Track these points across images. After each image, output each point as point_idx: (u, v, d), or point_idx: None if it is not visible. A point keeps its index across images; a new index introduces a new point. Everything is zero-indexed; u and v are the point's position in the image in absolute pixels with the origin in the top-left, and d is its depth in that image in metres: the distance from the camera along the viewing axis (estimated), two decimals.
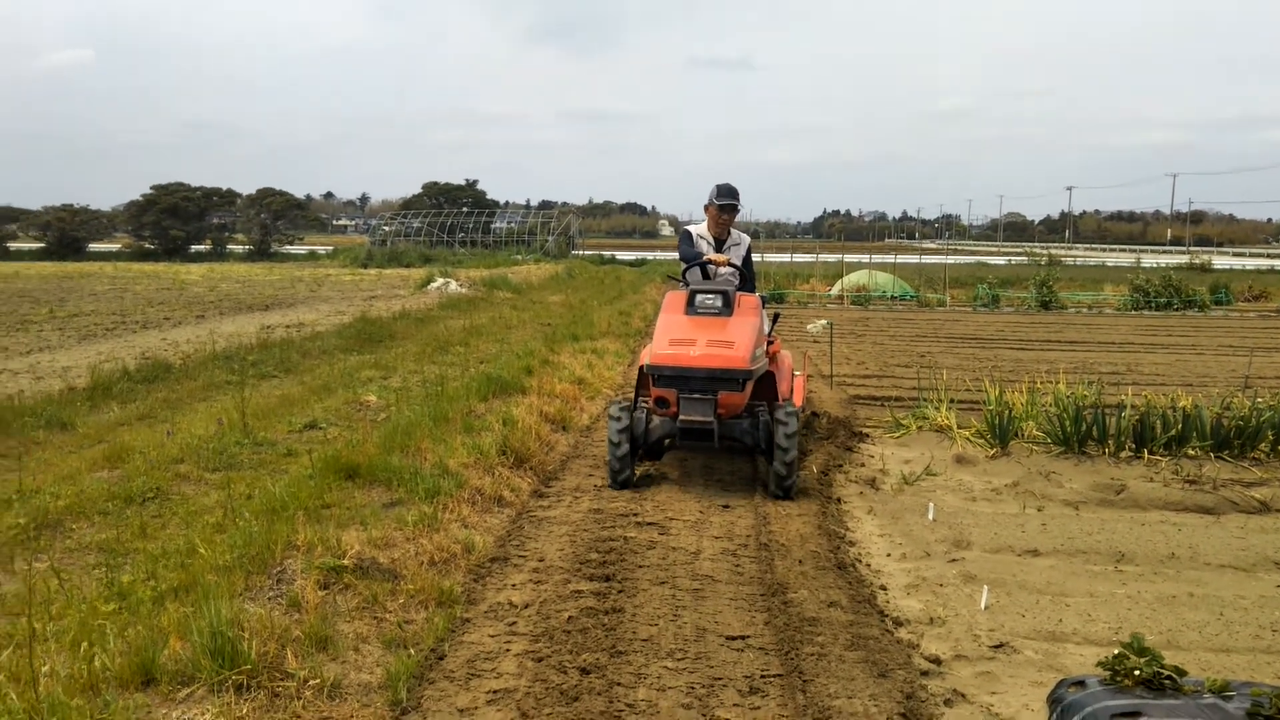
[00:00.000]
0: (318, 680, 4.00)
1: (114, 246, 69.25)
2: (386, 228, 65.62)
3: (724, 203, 7.87)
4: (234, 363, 13.08)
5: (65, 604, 4.78)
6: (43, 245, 66.75)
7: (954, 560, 6.13)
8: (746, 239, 8.25)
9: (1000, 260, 59.83)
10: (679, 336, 7.20)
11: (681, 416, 7.02)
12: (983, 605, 5.31)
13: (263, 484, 6.87)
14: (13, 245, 68.46)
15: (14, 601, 4.94)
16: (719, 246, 8.04)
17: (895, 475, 8.23)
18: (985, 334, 20.56)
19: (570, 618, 4.91)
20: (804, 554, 6.04)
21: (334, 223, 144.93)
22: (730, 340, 7.12)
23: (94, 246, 67.97)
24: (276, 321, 20.03)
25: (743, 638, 4.76)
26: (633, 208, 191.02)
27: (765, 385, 7.70)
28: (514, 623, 4.88)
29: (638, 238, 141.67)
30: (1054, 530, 6.72)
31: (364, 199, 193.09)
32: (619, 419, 7.28)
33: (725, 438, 7.27)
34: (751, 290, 8.01)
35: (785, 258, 40.45)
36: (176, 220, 63.86)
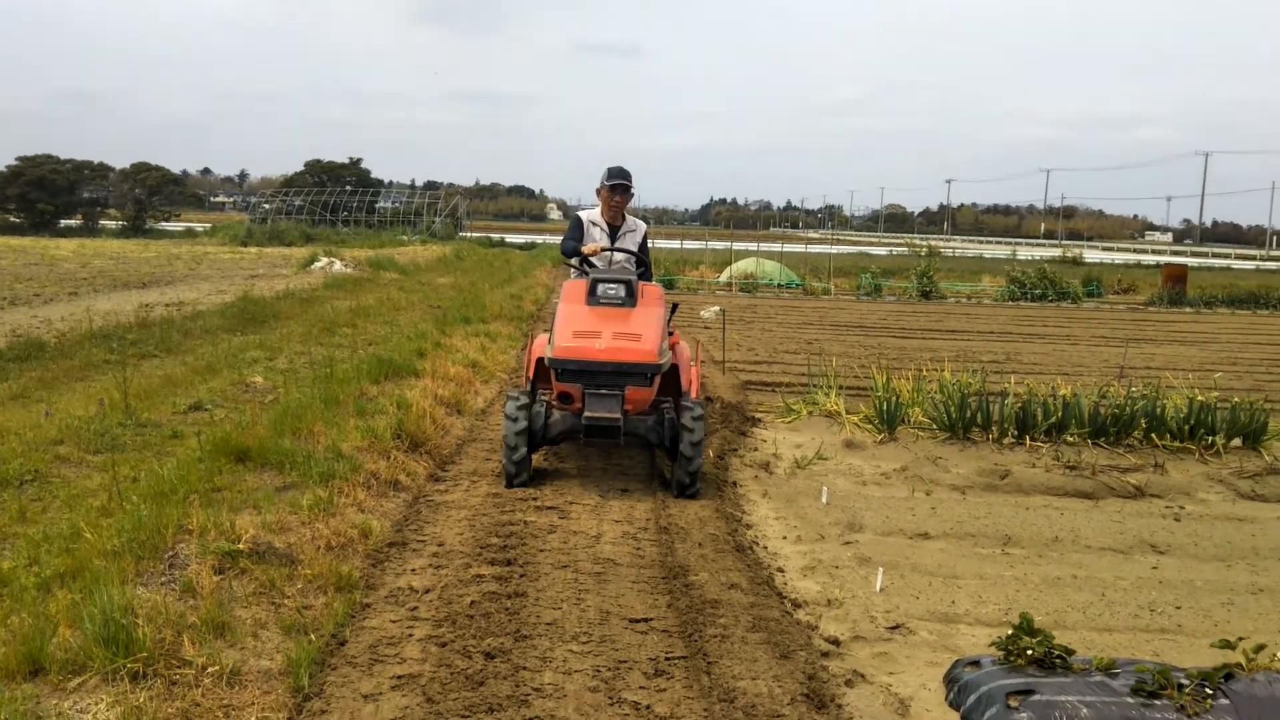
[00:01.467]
0: (216, 667, 3.90)
1: None
2: (267, 205, 64.00)
3: (615, 183, 7.61)
4: (113, 341, 12.57)
5: None
6: None
7: (848, 543, 6.27)
8: (642, 225, 8.01)
9: (882, 251, 61.26)
10: (582, 329, 6.85)
11: (586, 413, 6.67)
12: (878, 587, 5.44)
13: (149, 466, 6.66)
14: None
15: None
16: (613, 233, 7.79)
17: (788, 460, 8.38)
18: (869, 322, 21.03)
19: (473, 602, 4.88)
20: (703, 537, 6.11)
21: (211, 199, 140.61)
22: (636, 332, 6.82)
23: None
24: (155, 300, 19.34)
25: (646, 620, 4.79)
26: (521, 190, 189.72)
27: (669, 379, 7.42)
28: (415, 608, 4.83)
29: (526, 220, 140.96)
30: (943, 514, 6.93)
31: (243, 175, 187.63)
32: (515, 419, 6.81)
33: (630, 434, 6.96)
34: (648, 279, 7.79)
35: (675, 244, 40.74)
36: (44, 193, 61.02)
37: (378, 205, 63.17)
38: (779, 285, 30.12)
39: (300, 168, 69.04)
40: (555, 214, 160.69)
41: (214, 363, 11.32)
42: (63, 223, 62.28)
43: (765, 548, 6.19)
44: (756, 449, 8.78)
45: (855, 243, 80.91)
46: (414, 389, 9.18)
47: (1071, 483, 7.67)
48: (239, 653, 4.15)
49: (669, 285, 29.64)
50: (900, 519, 6.77)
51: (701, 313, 14.77)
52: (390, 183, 74.42)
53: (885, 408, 9.21)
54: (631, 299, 7.15)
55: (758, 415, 10.23)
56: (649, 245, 8.06)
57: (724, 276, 31.23)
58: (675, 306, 8.10)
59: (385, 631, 4.53)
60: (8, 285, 23.09)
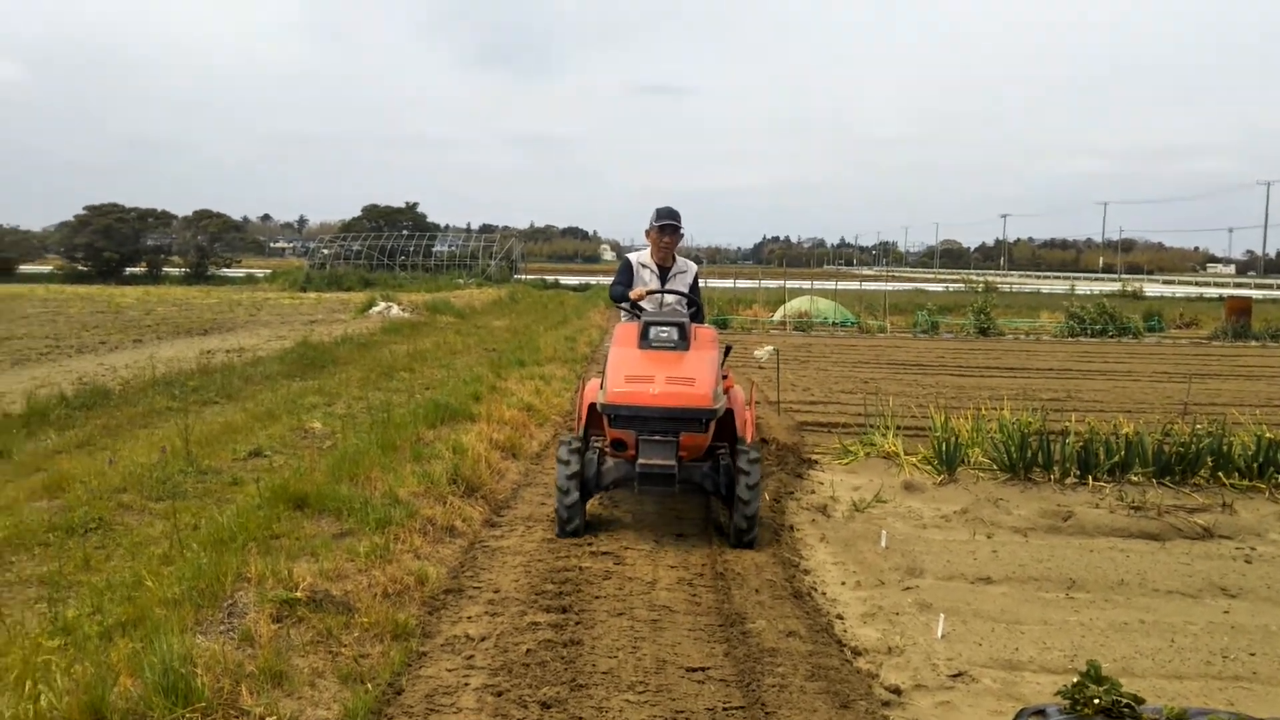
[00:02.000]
0: (274, 717, 3.91)
1: (45, 268, 67.88)
2: (326, 250, 64.97)
3: (664, 224, 7.51)
4: (175, 389, 12.82)
5: (7, 640, 4.62)
6: None
7: (908, 588, 6.17)
8: (693, 266, 7.91)
9: (938, 287, 60.79)
10: (635, 373, 6.64)
11: (641, 460, 6.46)
12: (939, 634, 5.34)
13: (209, 514, 6.73)
14: None
15: None
16: (663, 274, 7.69)
17: (846, 502, 8.28)
18: (926, 360, 20.81)
19: (528, 650, 4.86)
20: (760, 583, 6.04)
21: (271, 245, 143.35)
22: (690, 376, 6.62)
23: (25, 268, 66.55)
24: (216, 346, 19.69)
25: (703, 669, 4.73)
26: (574, 232, 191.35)
27: (724, 423, 7.21)
28: (471, 656, 4.81)
29: (580, 262, 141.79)
30: (1005, 557, 6.80)
31: (302, 221, 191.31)
32: (568, 463, 6.70)
33: (686, 482, 6.76)
34: (702, 321, 7.68)
35: (728, 283, 40.76)
36: (110, 242, 62.63)
37: (434, 249, 63.94)
38: (833, 323, 29.98)
39: (358, 212, 70.16)
40: (608, 255, 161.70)
41: (273, 409, 11.46)
42: (128, 270, 63.79)
43: (824, 594, 6.10)
44: (814, 491, 8.69)
45: (911, 279, 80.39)
46: (469, 433, 9.21)
47: (1136, 524, 7.49)
48: (296, 702, 4.16)
49: (722, 325, 29.72)
50: (961, 563, 6.65)
51: (755, 353, 14.72)
52: (446, 226, 75.54)
53: (944, 448, 9.09)
54: (684, 342, 6.96)
55: (814, 457, 10.14)
56: (700, 286, 8.01)
57: (778, 315, 31.18)
58: (729, 349, 7.94)
59: (441, 680, 4.52)
60: (75, 333, 23.64)
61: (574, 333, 23.13)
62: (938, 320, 29.40)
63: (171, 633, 4.42)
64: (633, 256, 7.89)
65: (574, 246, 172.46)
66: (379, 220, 67.33)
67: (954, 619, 5.57)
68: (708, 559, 6.53)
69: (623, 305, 7.78)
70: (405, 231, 65.70)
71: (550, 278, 62.40)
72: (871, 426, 10.59)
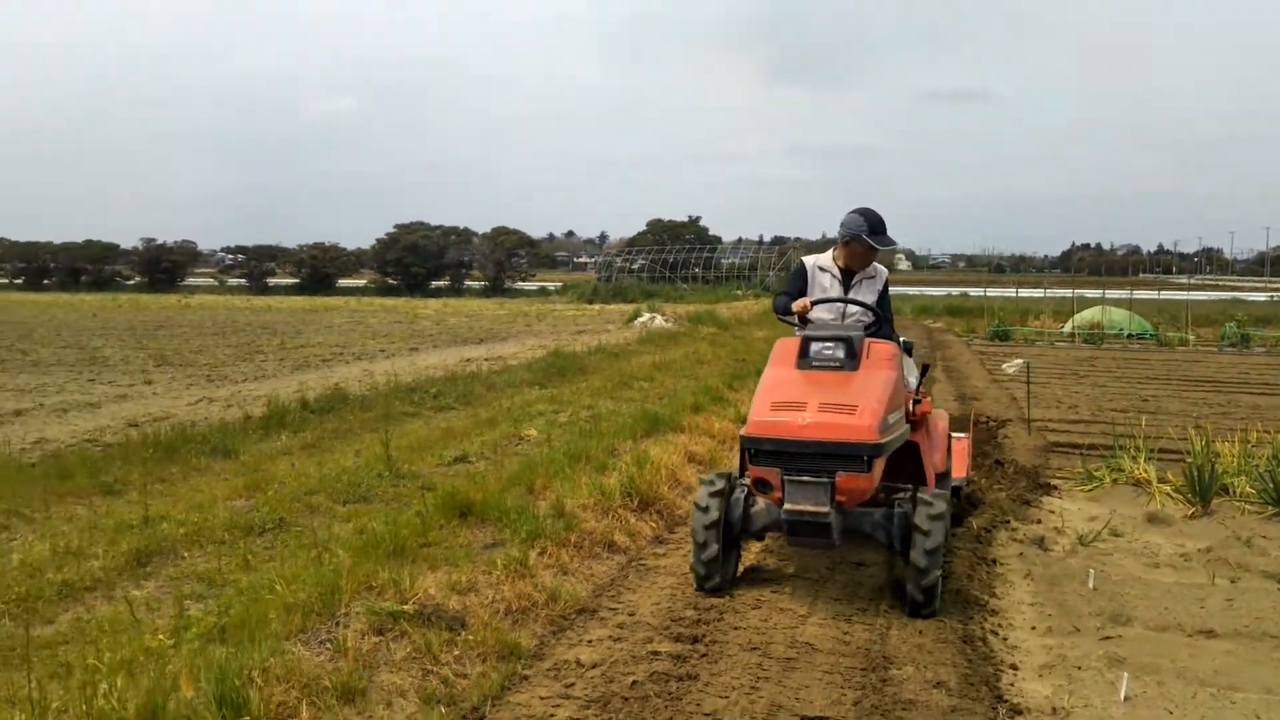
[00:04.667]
0: None
1: (360, 282, 73.88)
2: (615, 264, 66.91)
3: (882, 246, 6.30)
4: (416, 394, 13.31)
5: (132, 635, 4.73)
6: (297, 281, 71.98)
7: (1107, 638, 5.30)
8: (883, 271, 6.59)
9: (1261, 297, 54.96)
10: (784, 399, 5.58)
11: (786, 505, 5.40)
12: (1121, 696, 4.51)
13: (388, 518, 6.76)
14: (271, 281, 74.28)
15: (91, 629, 4.95)
16: (847, 281, 6.46)
17: (1071, 534, 7.35)
18: (1225, 377, 18.67)
19: (634, 682, 4.48)
20: (929, 623, 5.37)
21: (575, 260, 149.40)
22: (852, 403, 5.46)
23: (343, 282, 72.70)
24: (479, 355, 20.47)
25: (820, 719, 4.19)
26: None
27: (908, 460, 6.16)
28: (572, 684, 4.49)
29: None
30: (1241, 607, 5.75)
31: (603, 237, 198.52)
32: (707, 510, 5.69)
33: (852, 533, 5.72)
34: (889, 336, 6.35)
35: (1010, 292, 38.48)
36: (417, 257, 67.29)
37: (715, 261, 64.46)
38: (1128, 335, 27.61)
39: (643, 227, 71.88)
40: (903, 264, 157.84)
41: (499, 415, 11.63)
42: (433, 284, 68.26)
43: (1004, 639, 5.34)
44: (1038, 521, 7.78)
45: (1236, 287, 73.25)
46: (668, 444, 8.92)
47: None
48: None
49: (1003, 337, 28.03)
50: (1182, 611, 5.68)
51: (1004, 366, 13.62)
52: (739, 240, 75.77)
53: (1197, 476, 7.94)
54: (852, 360, 5.79)
55: (1053, 482, 9.15)
56: (889, 295, 6.72)
57: (1068, 327, 29.07)
58: (926, 369, 6.96)
59: (528, 709, 4.22)
60: (362, 343, 25.31)
61: None
62: (1249, 333, 26.42)
63: (269, 640, 4.38)
64: (809, 260, 6.72)
65: None
66: (663, 234, 68.67)
67: (1149, 679, 4.71)
68: (878, 593, 5.90)
69: (787, 319, 6.53)
70: (687, 244, 66.65)
71: None
72: (1121, 449, 9.44)
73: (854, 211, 6.40)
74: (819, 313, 6.40)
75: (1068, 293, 34.67)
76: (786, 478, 5.40)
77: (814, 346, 5.91)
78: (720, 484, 5.81)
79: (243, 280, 77.17)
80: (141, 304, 51.83)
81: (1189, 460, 8.33)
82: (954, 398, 15.12)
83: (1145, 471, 8.79)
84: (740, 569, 6.21)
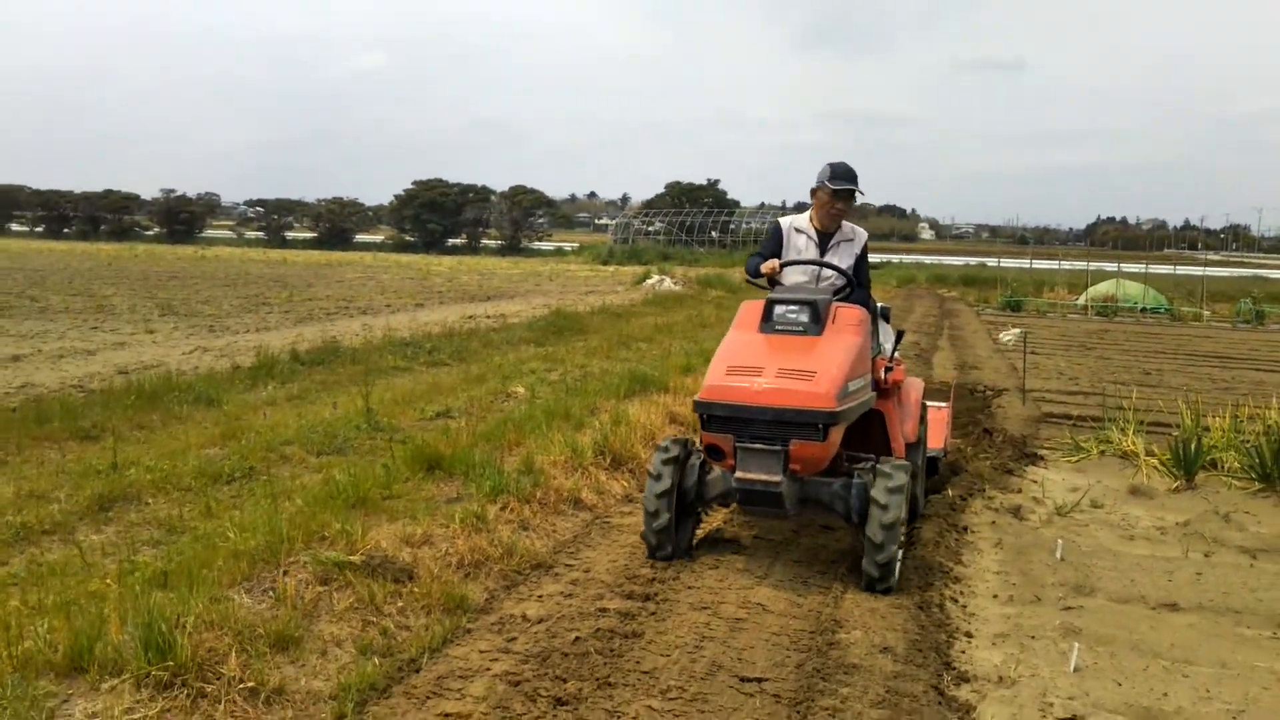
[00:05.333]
0: (254, 683, 3.71)
1: (377, 238, 73.94)
2: (632, 226, 66.66)
3: (840, 187, 5.96)
4: (410, 349, 13.28)
5: (80, 578, 4.72)
6: (315, 235, 72.11)
7: (1068, 609, 5.23)
8: (862, 234, 6.33)
9: None
10: (740, 363, 5.36)
11: (738, 474, 5.20)
12: (1071, 666, 4.45)
13: (354, 469, 6.73)
14: (289, 234, 74.47)
15: (42, 571, 4.94)
16: (823, 243, 6.17)
17: (1050, 505, 7.28)
18: (1234, 353, 18.49)
19: (577, 638, 4.44)
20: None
21: (597, 221, 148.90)
22: (811, 369, 5.20)
23: (361, 238, 72.79)
24: (482, 312, 20.43)
25: (758, 680, 4.14)
26: (891, 210, 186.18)
27: (876, 429, 6.00)
28: (514, 638, 4.45)
29: (896, 240, 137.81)
30: (1209, 581, 5.67)
31: (625, 199, 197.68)
32: (659, 477, 5.46)
33: (808, 503, 5.49)
34: (863, 301, 6.07)
35: (1024, 263, 38.12)
36: (434, 214, 67.22)
37: (732, 225, 64.07)
38: (1142, 309, 27.38)
39: (662, 190, 71.55)
40: (927, 233, 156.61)
41: (488, 372, 11.58)
42: (449, 241, 68.17)
43: (963, 606, 5.28)
44: (1019, 490, 7.70)
45: (1259, 265, 72.39)
46: (649, 404, 8.86)
47: None
48: (294, 670, 3.95)
49: (1015, 308, 27.84)
50: (1148, 584, 5.60)
51: (1000, 335, 13.51)
52: (761, 204, 75.15)
53: (1182, 449, 7.83)
54: (817, 325, 5.49)
55: (1040, 452, 9.05)
56: (868, 260, 6.45)
57: (1081, 299, 28.84)
58: (900, 335, 6.76)
59: (465, 662, 4.19)
60: (369, 297, 25.28)
61: None
62: (1264, 309, 26.13)
63: (212, 586, 4.37)
64: (785, 221, 6.42)
65: (890, 225, 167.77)
66: (681, 197, 68.35)
67: (1102, 650, 4.64)
68: (842, 555, 5.85)
69: (756, 282, 6.27)
70: (705, 208, 66.27)
71: None
72: (1110, 421, 9.33)
73: (839, 163, 6.16)
74: (792, 275, 6.16)
75: (1083, 265, 34.30)
76: (739, 445, 5.19)
77: (778, 310, 5.63)
78: (675, 450, 5.59)
79: (261, 233, 77.35)
80: (157, 254, 51.93)
81: (1175, 433, 8.22)
82: (954, 366, 15.01)
83: (1133, 444, 8.69)
84: (700, 534, 6.11)
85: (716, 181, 71.19)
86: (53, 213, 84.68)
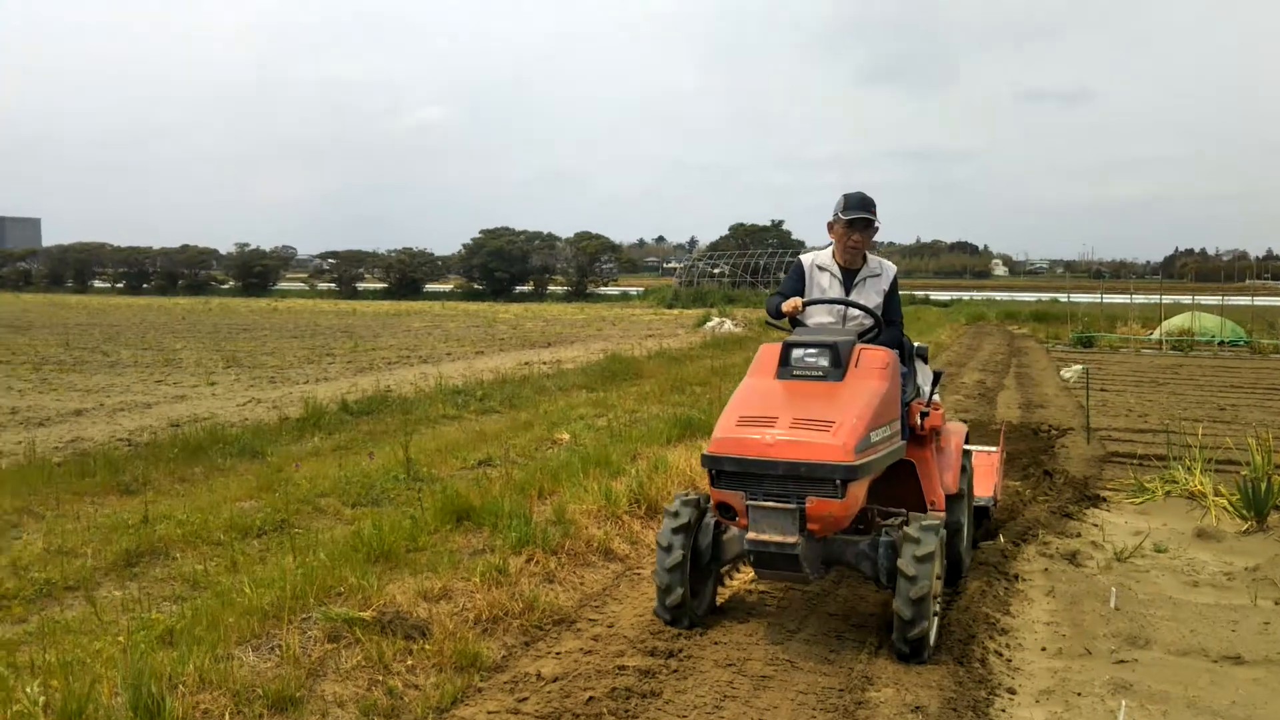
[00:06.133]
0: None
1: (447, 287, 74.89)
2: (696, 269, 66.67)
3: (853, 216, 5.64)
4: (461, 397, 13.25)
5: (92, 636, 4.65)
6: (385, 285, 73.31)
7: (1121, 662, 4.92)
8: (890, 268, 5.96)
9: None
10: (753, 413, 4.94)
11: (749, 534, 4.75)
12: None
13: (388, 522, 6.63)
14: (360, 285, 75.75)
15: (56, 629, 4.89)
16: (848, 280, 5.84)
17: (1109, 550, 6.93)
18: None
19: (591, 699, 4.25)
20: None
21: (665, 265, 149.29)
22: (829, 418, 4.78)
23: (430, 287, 73.76)
24: (539, 358, 20.41)
25: None
26: (963, 247, 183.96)
27: (910, 480, 5.60)
28: (525, 698, 4.28)
29: (968, 278, 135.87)
30: (1278, 632, 5.31)
31: (693, 242, 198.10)
32: (670, 548, 5.04)
33: (832, 564, 5.09)
34: (895, 341, 5.72)
35: (1094, 298, 37.23)
36: (502, 262, 67.90)
37: None
38: (1220, 342, 26.53)
39: (725, 232, 71.55)
40: (1000, 269, 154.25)
41: (536, 419, 11.48)
42: (517, 289, 68.77)
43: (1008, 660, 4.99)
44: (1077, 535, 7.35)
45: None
46: (697, 450, 8.66)
47: None
48: None
49: (1086, 344, 27.14)
50: (1210, 634, 5.26)
51: (1062, 373, 13.08)
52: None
53: (1252, 489, 7.44)
54: (838, 369, 5.11)
55: (1103, 494, 8.68)
56: (898, 295, 6.06)
57: (1156, 334, 28.03)
58: (938, 376, 6.32)
59: None
60: (431, 345, 25.44)
61: None
62: None
63: (219, 645, 4.27)
64: (807, 258, 6.05)
65: (962, 262, 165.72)
66: (745, 239, 68.23)
67: (1154, 708, 4.34)
68: (883, 606, 5.58)
69: (776, 324, 5.99)
70: (770, 249, 66.05)
71: (920, 293, 60.31)
72: (1176, 460, 8.92)
73: (853, 194, 5.84)
74: (817, 315, 5.80)
75: (1155, 299, 33.41)
76: (750, 502, 4.77)
77: (795, 353, 5.25)
78: (686, 515, 5.14)
79: (333, 285, 78.76)
80: (231, 308, 53.07)
81: (1244, 472, 7.82)
82: (1019, 405, 14.59)
83: (1200, 484, 8.29)
84: (735, 586, 5.88)
85: (780, 222, 70.94)
86: (133, 269, 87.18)
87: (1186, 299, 35.20)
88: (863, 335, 5.54)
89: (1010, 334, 32.41)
